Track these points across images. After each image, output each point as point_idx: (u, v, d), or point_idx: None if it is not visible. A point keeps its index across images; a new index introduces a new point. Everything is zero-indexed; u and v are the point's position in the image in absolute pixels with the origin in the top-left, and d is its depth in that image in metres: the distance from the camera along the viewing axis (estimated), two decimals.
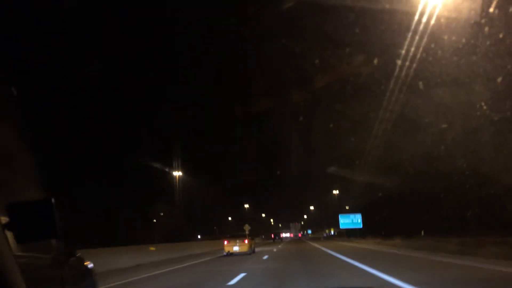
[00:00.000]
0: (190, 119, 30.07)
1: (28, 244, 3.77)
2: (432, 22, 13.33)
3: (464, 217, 18.06)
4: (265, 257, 16.20)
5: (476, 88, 14.72)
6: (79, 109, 22.92)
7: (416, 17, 13.75)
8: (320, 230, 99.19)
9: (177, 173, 25.79)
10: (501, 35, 12.70)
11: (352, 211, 40.31)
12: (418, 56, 15.27)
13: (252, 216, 56.99)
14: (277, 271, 9.50)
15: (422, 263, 9.95)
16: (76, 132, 21.88)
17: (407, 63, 15.57)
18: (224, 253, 19.39)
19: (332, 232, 63.10)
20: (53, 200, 1.35)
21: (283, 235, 66.13)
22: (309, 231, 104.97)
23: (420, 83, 16.41)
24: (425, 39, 14.29)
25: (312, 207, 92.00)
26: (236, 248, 19.22)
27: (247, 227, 33.64)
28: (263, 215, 75.87)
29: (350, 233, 39.90)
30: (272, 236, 55.01)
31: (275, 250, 23.58)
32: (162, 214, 40.86)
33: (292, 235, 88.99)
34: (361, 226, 36.79)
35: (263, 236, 58.77)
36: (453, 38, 13.71)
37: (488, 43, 12.86)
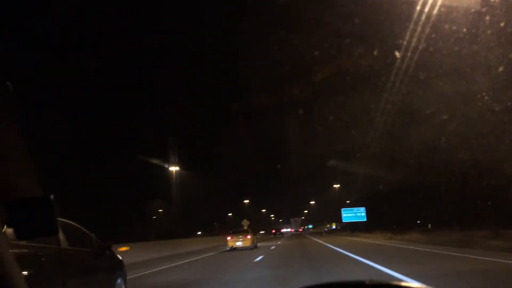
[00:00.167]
0: (189, 114, 30.16)
1: (71, 239, 4.24)
2: (433, 11, 13.45)
3: (475, 209, 18.04)
4: (259, 258, 13.09)
5: (477, 78, 14.89)
6: (76, 106, 23.02)
7: (417, 7, 13.87)
8: (320, 224, 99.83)
9: (174, 168, 25.78)
10: (502, 24, 12.82)
11: (353, 205, 40.12)
12: (419, 46, 15.39)
13: (252, 212, 57.35)
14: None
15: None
16: (72, 128, 22.00)
17: (408, 54, 15.69)
18: (228, 248, 20.06)
19: (334, 227, 63.44)
20: (52, 197, 1.37)
21: (284, 230, 66.59)
22: (310, 226, 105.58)
23: (421, 74, 16.56)
24: (425, 29, 14.40)
25: (312, 202, 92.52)
26: (239, 243, 19.91)
27: (246, 222, 33.93)
28: (263, 210, 76.31)
29: (354, 227, 39.01)
30: (274, 231, 55.56)
31: (273, 247, 20.90)
32: (161, 210, 41.11)
33: (292, 230, 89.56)
34: (364, 219, 36.22)
35: (263, 232, 59.13)
36: (454, 27, 13.83)
37: (489, 32, 13.00)
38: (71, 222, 4.55)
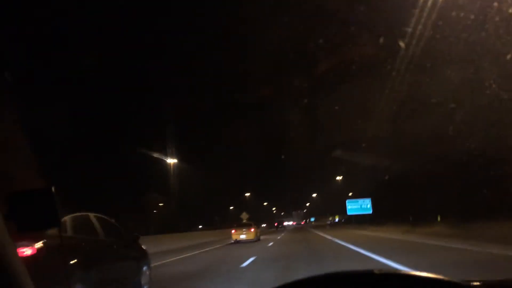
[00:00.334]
0: (188, 106, 30.22)
1: (106, 231, 4.90)
2: None
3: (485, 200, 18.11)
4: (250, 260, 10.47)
5: (485, 66, 14.99)
6: (73, 97, 23.10)
7: None
8: (323, 217, 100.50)
9: (171, 161, 25.77)
10: (510, 10, 12.89)
11: (357, 197, 38.94)
12: (426, 33, 15.45)
13: (254, 205, 57.72)
14: None
15: None
16: (71, 123, 22.12)
17: (414, 41, 15.76)
18: (232, 241, 20.69)
19: (337, 219, 63.79)
20: (53, 188, 1.38)
21: (286, 223, 67.14)
22: (312, 219, 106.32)
23: (428, 61, 16.65)
24: (432, 16, 14.45)
25: (314, 195, 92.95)
26: (243, 236, 20.63)
27: (245, 216, 33.92)
28: (265, 203, 76.78)
29: (360, 220, 37.27)
30: (276, 224, 56.09)
31: (270, 244, 17.72)
32: (162, 204, 41.38)
33: (295, 223, 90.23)
34: (370, 211, 35.30)
35: (265, 225, 59.56)
36: (462, 14, 13.89)
37: (497, 19, 13.06)
38: (106, 217, 5.36)
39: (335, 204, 64.74)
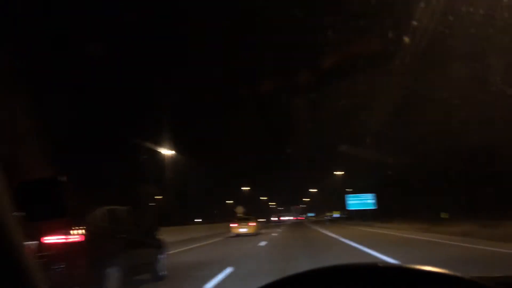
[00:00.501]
0: (190, 97, 30.49)
1: (132, 221, 5.41)
2: None
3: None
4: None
5: (492, 62, 15.39)
6: (79, 89, 23.37)
7: None
8: (322, 213, 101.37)
9: (168, 152, 25.76)
10: None
11: (358, 193, 38.10)
12: (434, 29, 15.80)
13: (252, 199, 58.29)
14: None
15: None
16: (76, 111, 22.41)
17: (421, 37, 16.12)
18: (232, 234, 21.22)
19: (336, 215, 64.41)
20: (63, 178, 1.41)
21: (283, 218, 67.87)
22: (310, 214, 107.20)
23: (435, 57, 17.03)
24: (442, 11, 14.80)
25: (314, 190, 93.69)
26: (242, 230, 21.20)
27: (240, 209, 34.04)
28: (264, 198, 77.42)
29: (363, 216, 36.09)
30: (275, 219, 56.85)
31: (262, 244, 13.97)
32: (161, 197, 41.77)
33: (293, 218, 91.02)
34: (372, 207, 34.52)
35: (264, 220, 60.20)
36: (471, 9, 14.25)
37: (506, 15, 13.44)
38: (132, 210, 6.14)
39: (334, 199, 65.38)
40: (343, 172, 53.57)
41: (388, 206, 32.79)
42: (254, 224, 21.81)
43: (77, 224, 4.34)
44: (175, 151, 26.93)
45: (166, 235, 18.76)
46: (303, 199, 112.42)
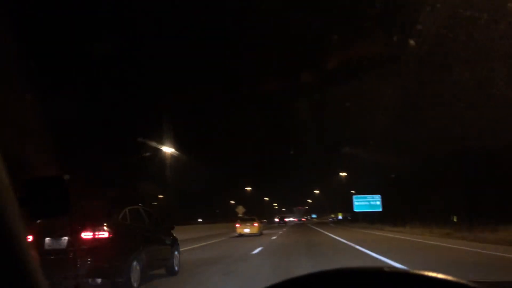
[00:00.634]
0: (193, 96, 30.99)
1: (151, 221, 5.93)
2: None
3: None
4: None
5: (496, 66, 15.88)
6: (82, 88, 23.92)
7: None
8: (324, 214, 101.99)
9: (168, 150, 26.01)
10: None
11: (360, 194, 37.14)
12: (438, 32, 16.31)
13: (255, 200, 58.84)
14: None
15: None
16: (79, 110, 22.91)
17: (426, 40, 16.62)
18: (236, 234, 22.00)
19: (340, 217, 64.80)
20: (67, 177, 1.49)
21: (287, 219, 68.55)
22: (314, 216, 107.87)
23: (440, 60, 17.52)
24: (446, 15, 15.30)
25: (317, 191, 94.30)
26: (246, 230, 22.01)
27: (241, 209, 33.99)
28: (266, 198, 78.04)
29: (369, 218, 35.37)
30: (278, 219, 57.52)
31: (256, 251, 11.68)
32: (162, 196, 42.42)
33: (296, 219, 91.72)
34: (380, 209, 33.69)
35: (265, 220, 60.78)
36: (476, 14, 14.76)
37: (510, 19, 13.94)
38: (151, 210, 6.87)
39: (338, 201, 65.81)
40: (346, 174, 54.05)
41: (395, 208, 32.16)
42: (257, 224, 22.65)
43: (106, 222, 4.93)
44: (178, 151, 27.42)
45: None
46: (306, 201, 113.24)
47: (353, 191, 49.18)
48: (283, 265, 7.91)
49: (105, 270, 4.76)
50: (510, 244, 10.89)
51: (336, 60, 18.98)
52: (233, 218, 36.56)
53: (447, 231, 16.11)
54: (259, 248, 12.04)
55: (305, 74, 21.38)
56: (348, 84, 23.64)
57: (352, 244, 12.70)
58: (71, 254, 4.68)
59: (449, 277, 0.79)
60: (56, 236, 4.73)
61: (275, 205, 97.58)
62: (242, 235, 21.63)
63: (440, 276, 0.79)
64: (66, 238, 4.73)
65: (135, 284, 5.15)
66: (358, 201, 34.99)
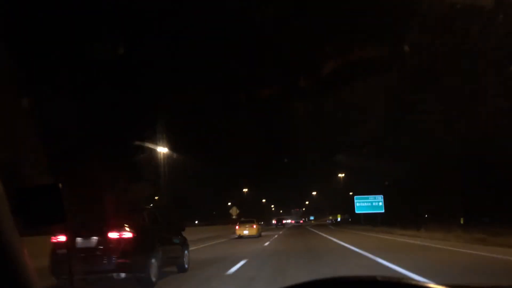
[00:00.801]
0: (189, 100, 31.72)
1: (164, 221, 6.78)
2: (447, 9, 15.24)
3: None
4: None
5: (487, 76, 16.82)
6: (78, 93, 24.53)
7: (431, 5, 15.70)
8: (322, 216, 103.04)
9: (162, 149, 26.39)
10: None
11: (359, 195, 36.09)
12: (431, 42, 17.22)
13: (252, 201, 59.66)
14: None
15: None
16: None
17: (420, 49, 17.52)
18: (236, 236, 23.08)
19: (339, 219, 65.53)
20: (60, 185, 1.46)
21: (284, 221, 69.52)
22: (311, 218, 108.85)
23: (433, 69, 18.44)
24: (438, 26, 16.22)
25: (314, 193, 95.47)
26: (246, 232, 23.11)
27: (235, 211, 34.14)
28: (264, 200, 78.93)
29: (371, 220, 34.01)
30: (275, 222, 58.39)
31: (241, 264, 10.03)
32: (157, 198, 43.07)
33: (293, 221, 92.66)
34: (382, 210, 32.84)
35: (262, 222, 61.58)
36: (466, 26, 15.69)
37: (502, 32, 14.86)
38: (164, 212, 8.16)
39: (337, 202, 66.69)
40: (344, 175, 54.89)
41: (395, 209, 31.69)
42: (256, 226, 23.73)
43: (129, 224, 5.81)
44: (175, 152, 28.02)
45: None
46: (304, 202, 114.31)
47: (351, 193, 49.80)
48: None
49: (129, 266, 5.61)
50: None
51: (334, 67, 19.83)
52: (230, 220, 37.37)
53: (479, 236, 13.23)
54: (241, 262, 9.04)
55: (304, 80, 22.23)
56: (346, 89, 24.53)
57: (368, 254, 9.94)
58: (99, 251, 5.55)
59: (441, 286, 0.82)
60: (87, 236, 5.59)
61: (272, 207, 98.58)
62: (241, 237, 22.66)
63: (434, 285, 0.82)
64: (95, 237, 5.59)
65: (153, 279, 6.04)
66: (359, 202, 34.04)
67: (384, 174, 32.64)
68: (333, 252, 11.55)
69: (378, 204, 33.14)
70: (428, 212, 29.51)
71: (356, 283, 0.89)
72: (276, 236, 24.34)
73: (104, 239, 5.60)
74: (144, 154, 28.49)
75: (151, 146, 26.59)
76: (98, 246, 5.57)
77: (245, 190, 57.86)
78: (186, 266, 7.84)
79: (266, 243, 16.72)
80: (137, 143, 27.57)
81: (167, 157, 27.25)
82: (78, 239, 5.59)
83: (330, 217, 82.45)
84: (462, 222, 19.97)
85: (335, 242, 16.03)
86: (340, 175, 56.18)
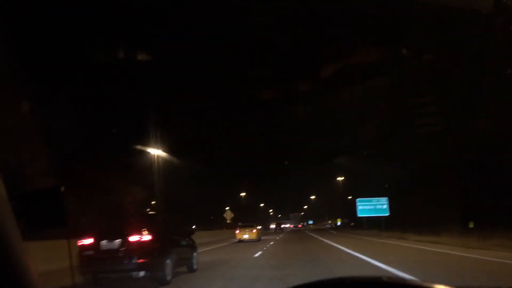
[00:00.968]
0: (185, 103, 32.32)
1: (175, 225, 7.59)
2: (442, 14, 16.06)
3: None
4: None
5: (486, 79, 17.66)
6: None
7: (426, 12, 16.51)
8: (322, 220, 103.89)
9: (156, 151, 26.52)
10: None
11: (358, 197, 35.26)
12: (429, 46, 18.05)
13: (250, 206, 60.39)
14: None
15: None
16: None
17: (418, 54, 18.34)
18: (236, 240, 24.02)
19: (339, 223, 66.05)
20: (62, 188, 1.50)
21: (282, 226, 70.34)
22: (310, 222, 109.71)
23: (431, 73, 19.25)
24: (435, 31, 17.05)
25: (313, 197, 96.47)
26: (246, 236, 24.14)
27: (229, 215, 34.38)
28: (262, 204, 79.74)
29: (376, 224, 32.25)
30: (274, 226, 59.31)
31: None
32: (153, 202, 43.65)
33: (292, 226, 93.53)
34: (387, 213, 31.96)
35: (260, 227, 62.27)
36: (466, 29, 16.51)
37: (499, 36, 15.74)
38: (172, 219, 8.75)
39: (337, 206, 67.41)
40: (343, 178, 55.64)
41: (398, 212, 30.88)
42: (255, 230, 24.81)
43: (148, 228, 6.58)
44: (173, 156, 28.63)
45: None
46: (302, 206, 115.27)
47: (349, 197, 50.26)
48: None
49: (147, 265, 6.38)
50: None
51: (333, 71, 20.59)
52: (225, 224, 38.10)
53: None
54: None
55: (302, 84, 22.95)
56: (346, 92, 25.32)
57: (396, 271, 7.74)
58: (121, 253, 6.31)
59: (447, 287, 0.84)
60: (110, 239, 6.35)
61: (271, 212, 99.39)
62: (241, 241, 23.62)
63: (438, 286, 0.84)
64: (118, 240, 6.35)
65: (168, 277, 6.84)
66: (362, 205, 33.09)
67: (386, 176, 33.12)
68: (345, 264, 9.56)
69: (383, 207, 32.18)
70: (432, 215, 29.76)
71: (361, 283, 0.93)
72: (268, 245, 19.66)
73: (126, 242, 6.36)
74: (142, 157, 29.07)
75: (149, 149, 27.15)
76: (120, 248, 6.34)
77: (242, 194, 58.56)
78: (195, 266, 8.67)
79: (257, 254, 13.54)
80: (136, 146, 28.13)
81: (165, 160, 27.86)
82: (103, 242, 6.35)
83: (329, 222, 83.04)
84: (471, 226, 18.58)
85: (345, 252, 13.28)
86: (339, 178, 56.90)
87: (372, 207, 32.56)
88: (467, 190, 22.98)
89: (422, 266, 8.82)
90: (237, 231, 24.67)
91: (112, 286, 6.84)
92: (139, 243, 6.38)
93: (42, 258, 7.65)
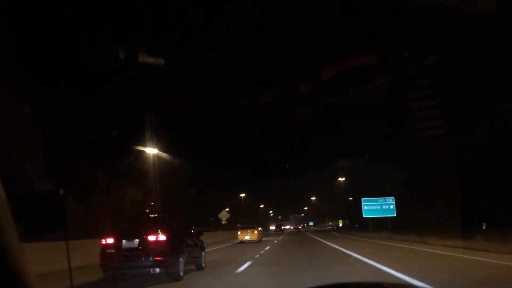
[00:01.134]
0: (186, 105, 33.00)
1: (185, 226, 8.45)
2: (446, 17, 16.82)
3: None
4: None
5: (484, 81, 18.48)
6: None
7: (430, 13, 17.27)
8: (322, 222, 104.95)
9: (152, 151, 26.80)
10: None
11: (359, 202, 34.25)
12: (431, 49, 18.82)
13: (250, 207, 61.33)
14: None
15: None
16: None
17: (420, 56, 19.13)
18: (238, 241, 25.37)
19: (340, 224, 66.81)
20: (61, 191, 1.54)
21: (283, 227, 71.29)
22: (311, 223, 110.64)
23: (432, 76, 20.05)
24: (437, 34, 17.85)
25: (313, 198, 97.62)
26: (247, 237, 25.34)
27: (224, 215, 34.28)
28: (262, 206, 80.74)
29: (382, 225, 31.29)
30: (274, 227, 60.24)
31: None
32: (152, 203, 44.45)
33: (292, 227, 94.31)
34: (393, 214, 31.23)
35: (260, 228, 63.10)
36: (466, 35, 17.35)
37: (497, 43, 16.57)
38: (182, 222, 9.52)
39: (337, 207, 68.31)
40: (344, 179, 56.47)
41: (406, 212, 30.07)
42: (257, 232, 25.97)
43: (164, 229, 7.47)
44: (172, 156, 29.32)
45: None
46: (303, 208, 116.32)
47: (350, 198, 50.94)
48: None
49: (163, 263, 7.27)
50: None
51: (334, 74, 21.35)
52: (220, 225, 38.94)
53: None
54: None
55: (303, 87, 23.72)
56: (347, 93, 26.11)
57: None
58: (140, 251, 7.19)
59: None
60: (130, 238, 7.23)
61: (271, 213, 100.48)
62: (243, 242, 24.75)
63: None
64: (137, 240, 7.23)
65: (181, 274, 7.73)
66: (367, 205, 32.07)
67: (386, 180, 33.89)
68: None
69: (389, 208, 31.23)
70: (438, 216, 29.71)
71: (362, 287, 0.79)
72: (263, 250, 16.79)
73: (144, 242, 7.24)
74: (142, 158, 29.79)
75: (148, 149, 27.82)
76: (139, 246, 7.22)
77: (242, 195, 59.41)
78: (203, 265, 9.61)
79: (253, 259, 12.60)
80: (135, 147, 28.82)
81: (165, 162, 28.58)
82: (124, 241, 7.23)
83: (330, 223, 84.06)
84: (484, 227, 17.72)
85: (363, 262, 10.09)
86: (340, 179, 57.66)
87: (378, 207, 31.77)
88: (476, 190, 23.59)
89: (459, 278, 6.80)
90: (239, 233, 25.89)
91: (130, 282, 7.73)
92: (156, 243, 7.27)
93: (42, 259, 8.47)
